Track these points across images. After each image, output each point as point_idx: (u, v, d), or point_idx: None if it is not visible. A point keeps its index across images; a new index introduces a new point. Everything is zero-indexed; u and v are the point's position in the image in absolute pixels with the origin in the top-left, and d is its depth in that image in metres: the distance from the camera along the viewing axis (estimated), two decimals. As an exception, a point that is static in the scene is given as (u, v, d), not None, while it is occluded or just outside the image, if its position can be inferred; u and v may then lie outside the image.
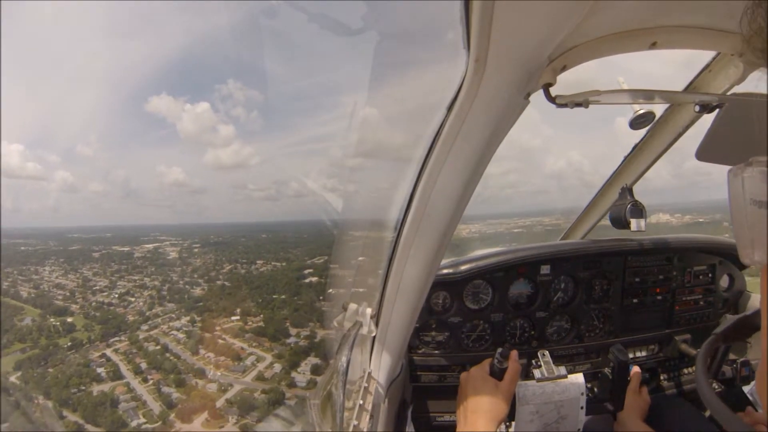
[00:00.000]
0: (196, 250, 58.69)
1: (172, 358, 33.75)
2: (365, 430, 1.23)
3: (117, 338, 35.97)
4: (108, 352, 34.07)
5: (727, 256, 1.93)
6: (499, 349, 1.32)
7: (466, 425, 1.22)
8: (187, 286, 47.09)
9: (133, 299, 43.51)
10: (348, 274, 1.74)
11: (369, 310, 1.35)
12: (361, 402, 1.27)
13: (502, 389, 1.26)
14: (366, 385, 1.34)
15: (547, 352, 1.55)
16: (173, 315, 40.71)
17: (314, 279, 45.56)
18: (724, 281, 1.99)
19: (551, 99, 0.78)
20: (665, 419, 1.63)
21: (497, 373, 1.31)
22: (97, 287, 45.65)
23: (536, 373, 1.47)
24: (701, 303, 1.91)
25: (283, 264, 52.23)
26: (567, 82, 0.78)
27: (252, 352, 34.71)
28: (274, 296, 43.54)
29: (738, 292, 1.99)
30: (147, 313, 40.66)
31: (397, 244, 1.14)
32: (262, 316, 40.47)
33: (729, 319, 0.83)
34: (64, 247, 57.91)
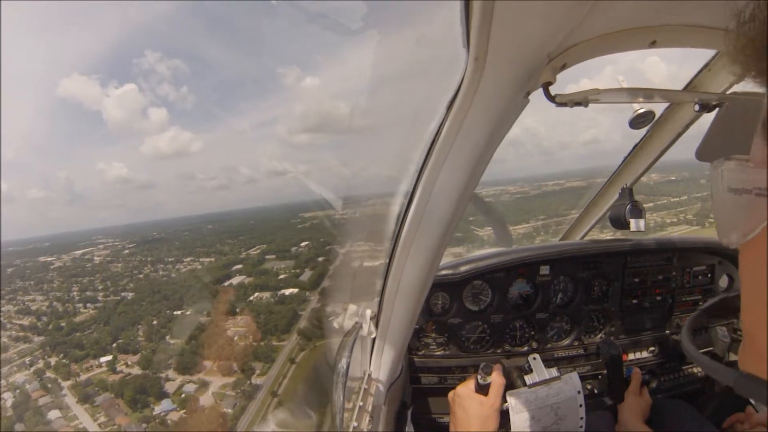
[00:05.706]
0: (126, 252, 51.24)
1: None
2: (365, 431, 1.23)
3: None
4: None
5: (727, 256, 1.93)
6: (482, 365, 1.31)
7: None
8: (78, 305, 38.98)
9: (-1, 333, 35.19)
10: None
11: (369, 312, 1.34)
12: (361, 403, 1.27)
13: (489, 404, 1.28)
14: (366, 386, 1.34)
15: (537, 356, 1.50)
16: (27, 360, 31.78)
17: (239, 279, 37.34)
18: (723, 281, 1.99)
19: (551, 98, 0.78)
20: (665, 420, 1.63)
21: (482, 389, 1.31)
22: (-28, 317, 36.97)
23: (527, 379, 1.43)
24: (701, 303, 1.91)
25: (212, 260, 45.21)
26: (566, 81, 0.78)
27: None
28: (176, 313, 34.76)
29: (737, 292, 1.98)
30: (-4, 359, 31.51)
31: (396, 244, 1.13)
32: (140, 355, 30.59)
33: (713, 298, 0.86)
34: (-13, 264, 49.53)
